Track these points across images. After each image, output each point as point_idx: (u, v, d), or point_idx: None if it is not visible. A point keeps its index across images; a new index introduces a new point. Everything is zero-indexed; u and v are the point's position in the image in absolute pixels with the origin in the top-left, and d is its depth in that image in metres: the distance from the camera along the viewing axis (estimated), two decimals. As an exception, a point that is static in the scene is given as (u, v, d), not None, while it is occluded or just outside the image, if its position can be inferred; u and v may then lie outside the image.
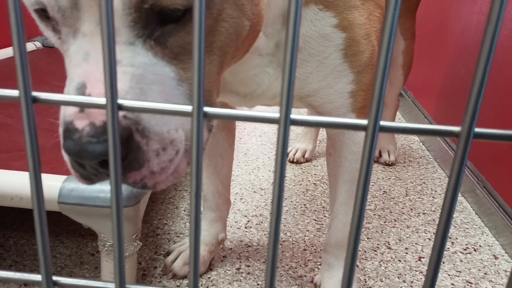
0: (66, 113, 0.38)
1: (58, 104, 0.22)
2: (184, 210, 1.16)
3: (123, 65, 0.37)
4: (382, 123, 0.22)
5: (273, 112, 0.22)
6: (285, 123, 0.22)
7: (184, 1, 0.36)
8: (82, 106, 0.22)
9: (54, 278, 0.27)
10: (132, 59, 0.37)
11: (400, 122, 1.29)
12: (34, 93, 0.23)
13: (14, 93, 0.22)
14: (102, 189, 0.71)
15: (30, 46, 1.68)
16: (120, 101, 0.22)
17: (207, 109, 0.22)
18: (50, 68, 1.48)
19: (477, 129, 0.22)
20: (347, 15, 0.59)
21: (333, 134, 0.74)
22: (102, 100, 0.22)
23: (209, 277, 0.93)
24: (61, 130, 0.39)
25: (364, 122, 0.22)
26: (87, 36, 0.38)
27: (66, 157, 0.39)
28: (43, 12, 0.40)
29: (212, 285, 0.91)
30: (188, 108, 0.22)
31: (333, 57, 0.61)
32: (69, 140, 0.37)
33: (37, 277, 0.27)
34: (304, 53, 0.60)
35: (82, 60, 0.38)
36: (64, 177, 0.73)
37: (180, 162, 0.40)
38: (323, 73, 0.62)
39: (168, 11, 0.36)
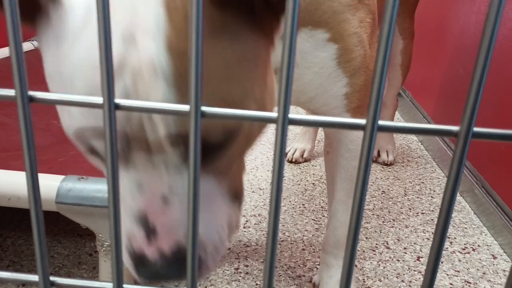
0: (134, 243, 0.40)
1: (55, 103, 0.22)
2: (182, 210, 1.16)
3: (175, 195, 0.39)
4: (381, 122, 0.22)
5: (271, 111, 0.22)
6: (283, 122, 0.22)
7: (223, 131, 0.39)
8: (79, 106, 0.22)
9: (52, 278, 0.27)
10: (183, 185, 0.40)
11: (398, 122, 1.29)
12: (31, 93, 0.23)
13: (11, 92, 0.22)
14: (100, 189, 0.71)
15: (28, 45, 1.67)
16: (117, 101, 0.22)
17: (205, 108, 0.22)
18: (48, 67, 1.48)
19: (476, 129, 0.21)
20: (338, 29, 0.62)
21: (330, 133, 0.76)
22: (99, 100, 0.22)
23: (207, 277, 0.93)
24: (127, 258, 0.41)
25: (362, 121, 0.22)
26: (139, 169, 0.39)
27: (132, 269, 0.42)
28: (92, 151, 0.42)
29: (211, 285, 0.91)
30: (185, 107, 0.22)
31: (328, 66, 0.64)
32: (143, 269, 0.40)
33: (34, 278, 0.27)
34: (301, 67, 0.64)
35: (137, 191, 0.40)
36: (62, 176, 0.72)
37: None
38: (319, 82, 0.65)
39: (210, 140, 0.39)
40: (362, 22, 0.64)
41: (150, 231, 0.39)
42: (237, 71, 0.38)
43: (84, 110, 0.38)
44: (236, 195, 0.45)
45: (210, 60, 0.37)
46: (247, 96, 0.40)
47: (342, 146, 0.74)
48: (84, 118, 0.38)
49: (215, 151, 0.41)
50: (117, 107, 0.22)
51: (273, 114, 0.22)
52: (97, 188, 0.71)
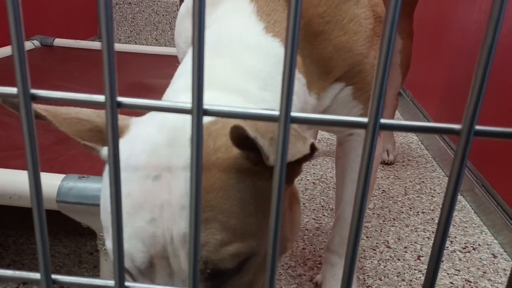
0: None
1: (57, 101, 0.22)
2: (183, 209, 1.16)
3: None
4: (383, 121, 0.22)
5: (273, 110, 0.22)
6: (285, 121, 0.22)
7: (237, 258, 0.42)
8: (81, 104, 0.22)
9: (53, 276, 0.27)
10: None
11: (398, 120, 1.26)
12: (33, 91, 0.23)
13: (13, 90, 0.22)
14: (101, 187, 0.71)
15: (28, 45, 1.67)
16: (119, 99, 0.22)
17: (207, 106, 0.22)
18: (48, 67, 1.48)
19: (477, 127, 0.21)
20: (355, 80, 0.67)
21: (343, 140, 0.78)
22: (101, 98, 0.22)
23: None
24: None
25: (364, 120, 0.22)
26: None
27: None
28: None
29: (211, 284, 0.91)
30: (187, 105, 0.22)
31: (345, 101, 0.69)
32: None
33: (36, 276, 0.27)
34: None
35: None
36: (63, 175, 0.72)
37: None
38: (335, 112, 0.70)
39: (223, 266, 0.42)
40: (376, 52, 0.67)
41: None
42: (254, 208, 0.42)
43: (138, 244, 0.42)
44: None
45: (232, 195, 0.41)
46: (261, 229, 0.43)
47: (355, 152, 0.77)
48: (133, 250, 0.42)
49: (228, 278, 0.43)
50: (119, 105, 0.22)
51: (275, 113, 0.22)
52: (98, 187, 0.71)
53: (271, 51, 0.57)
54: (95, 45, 1.79)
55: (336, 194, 0.84)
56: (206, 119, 0.45)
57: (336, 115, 0.22)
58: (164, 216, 0.41)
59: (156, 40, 2.86)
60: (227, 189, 0.41)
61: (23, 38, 0.21)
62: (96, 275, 0.90)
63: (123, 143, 0.46)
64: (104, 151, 0.48)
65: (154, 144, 0.44)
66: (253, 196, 0.42)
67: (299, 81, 0.60)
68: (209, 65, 0.54)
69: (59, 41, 1.75)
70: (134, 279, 0.44)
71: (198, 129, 0.22)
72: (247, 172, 0.42)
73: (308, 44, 0.62)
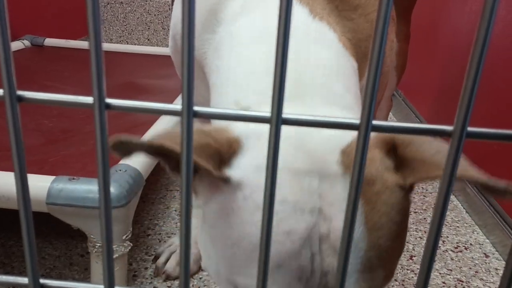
0: None
1: (44, 103, 0.22)
2: (175, 210, 1.16)
3: None
4: (375, 122, 0.22)
5: (265, 111, 0.22)
6: (277, 122, 0.21)
7: None
8: (69, 105, 0.22)
9: (42, 281, 0.26)
10: None
11: (391, 121, 1.28)
12: (20, 92, 0.22)
13: (-2, 92, 0.22)
14: (91, 189, 0.70)
15: (19, 44, 1.66)
16: (108, 100, 0.22)
17: (197, 108, 0.22)
18: (39, 67, 1.46)
19: (469, 129, 0.21)
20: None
21: None
22: (89, 99, 0.22)
23: (200, 278, 0.92)
24: None
25: (356, 121, 0.22)
26: None
27: None
28: None
29: (204, 286, 0.90)
30: (177, 107, 0.22)
31: None
32: None
33: (24, 280, 0.27)
34: None
35: None
36: (53, 177, 0.72)
37: None
38: None
39: None
40: (389, 44, 0.64)
41: None
42: (402, 228, 0.40)
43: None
44: None
45: (393, 236, 0.39)
46: (403, 246, 0.42)
47: None
48: (275, 283, 0.39)
49: None
50: (108, 106, 0.22)
51: (267, 114, 0.22)
52: (89, 188, 0.70)
53: (327, 38, 0.49)
54: (86, 44, 1.78)
55: None
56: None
57: (327, 117, 0.22)
58: (323, 251, 0.38)
59: (148, 40, 2.84)
60: (393, 229, 0.38)
61: (9, 38, 0.21)
62: (87, 277, 0.89)
63: (250, 166, 0.39)
64: (230, 175, 0.40)
65: (297, 173, 0.39)
66: (403, 214, 0.40)
67: (353, 67, 0.51)
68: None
69: (49, 41, 1.73)
70: None
71: (188, 129, 0.22)
72: (404, 198, 0.39)
73: (347, 21, 0.54)
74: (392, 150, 0.41)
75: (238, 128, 0.40)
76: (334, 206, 0.38)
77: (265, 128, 0.40)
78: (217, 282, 0.46)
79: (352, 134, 0.41)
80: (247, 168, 0.39)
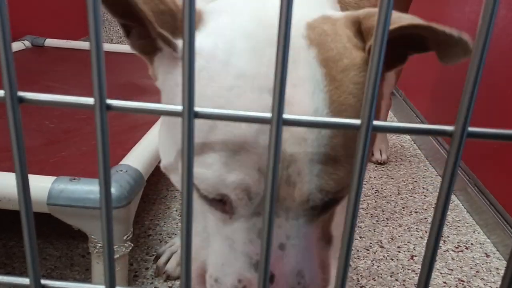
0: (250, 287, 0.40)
1: (45, 104, 0.22)
2: (176, 211, 1.16)
3: (292, 243, 0.40)
4: (375, 122, 0.22)
5: (265, 112, 0.22)
6: (278, 123, 0.21)
7: (347, 189, 0.38)
8: (70, 106, 0.22)
9: (43, 281, 0.27)
10: (298, 234, 0.40)
11: (392, 121, 1.29)
12: (21, 93, 0.22)
13: (-1, 93, 0.22)
14: (92, 190, 0.70)
15: (19, 45, 1.66)
16: (109, 101, 0.22)
17: (197, 108, 0.22)
18: (39, 67, 1.47)
19: (470, 129, 0.21)
20: None
21: None
22: (90, 100, 0.22)
23: (201, 278, 0.93)
24: None
25: (357, 122, 0.22)
26: (261, 217, 0.39)
27: None
28: (214, 200, 0.40)
29: (205, 286, 0.91)
30: (178, 108, 0.22)
31: None
32: None
33: (25, 281, 0.27)
34: None
35: (257, 238, 0.39)
36: (54, 178, 0.72)
37: None
38: None
39: (338, 196, 0.39)
40: None
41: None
42: None
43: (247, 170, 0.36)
44: (329, 241, 0.45)
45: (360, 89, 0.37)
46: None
47: None
48: (233, 174, 0.37)
49: (333, 205, 0.41)
50: (109, 107, 0.22)
51: (267, 115, 0.22)
52: (89, 189, 0.70)
53: None
54: (86, 45, 1.78)
55: None
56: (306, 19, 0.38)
57: (329, 117, 0.22)
58: (285, 141, 0.35)
59: (149, 40, 2.84)
60: (360, 105, 0.36)
61: (10, 39, 0.21)
62: (88, 277, 0.89)
63: (208, 36, 0.37)
64: (180, 45, 0.38)
65: (257, 43, 0.35)
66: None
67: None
68: None
69: (50, 41, 1.73)
70: (228, 206, 0.39)
71: (189, 130, 0.22)
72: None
73: None
74: (361, 31, 0.38)
75: (201, 3, 0.40)
76: (297, 88, 0.35)
77: (228, 7, 0.39)
78: (176, 183, 0.45)
79: (320, 12, 0.39)
80: (204, 39, 0.37)
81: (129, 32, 0.41)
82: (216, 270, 0.42)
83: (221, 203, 0.40)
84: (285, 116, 0.22)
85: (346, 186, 0.38)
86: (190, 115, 0.21)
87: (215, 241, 0.42)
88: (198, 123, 0.35)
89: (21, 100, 0.22)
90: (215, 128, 0.35)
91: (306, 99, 0.35)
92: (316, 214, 0.40)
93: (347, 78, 0.36)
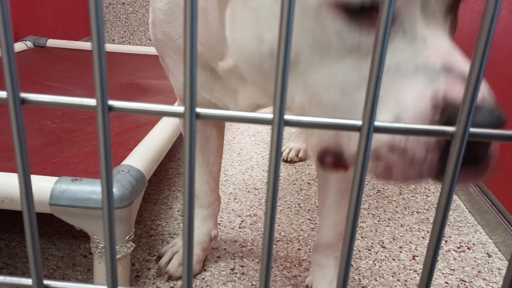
0: (454, 91, 0.38)
1: (47, 105, 0.22)
2: (177, 211, 1.16)
3: (456, 52, 0.41)
4: (377, 123, 0.22)
5: (267, 113, 0.22)
6: (279, 124, 0.21)
7: None
8: (72, 108, 0.22)
9: (45, 282, 0.27)
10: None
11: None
12: (23, 95, 0.22)
13: (2, 94, 0.22)
14: (94, 190, 0.70)
15: (21, 45, 1.66)
16: (111, 102, 0.22)
17: (199, 110, 0.22)
18: (41, 68, 1.47)
19: (472, 129, 0.21)
20: None
21: None
22: (92, 102, 0.22)
23: (203, 278, 0.93)
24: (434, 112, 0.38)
25: (358, 123, 0.22)
26: (429, 29, 0.39)
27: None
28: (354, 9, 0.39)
29: (207, 286, 0.91)
30: (180, 109, 0.22)
31: None
32: (483, 112, 0.39)
33: (28, 281, 0.27)
34: None
35: (424, 46, 0.39)
36: (56, 178, 0.72)
37: None
38: None
39: None
40: None
41: (461, 79, 0.39)
42: None
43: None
44: None
45: None
46: None
47: None
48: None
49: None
50: (111, 109, 0.22)
51: (269, 116, 0.22)
52: (91, 189, 0.70)
53: None
54: (88, 45, 1.78)
55: (319, 193, 0.81)
56: None
57: (330, 119, 0.22)
58: None
59: (150, 40, 2.85)
60: None
61: (12, 40, 0.21)
62: (89, 277, 0.89)
63: None
64: None
65: None
66: None
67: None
68: None
69: (52, 42, 1.74)
70: (363, 22, 0.39)
71: (191, 131, 0.22)
72: None
73: None
74: None
75: None
76: None
77: None
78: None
79: None
80: None
81: None
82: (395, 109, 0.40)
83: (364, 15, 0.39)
84: (286, 117, 0.22)
85: None
86: (191, 116, 0.21)
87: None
88: None
89: (24, 101, 0.22)
90: None
91: None
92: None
93: None
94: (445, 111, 0.38)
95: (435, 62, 0.39)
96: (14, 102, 0.22)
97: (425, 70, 0.39)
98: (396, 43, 0.39)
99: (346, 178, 0.75)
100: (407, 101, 0.39)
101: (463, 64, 0.39)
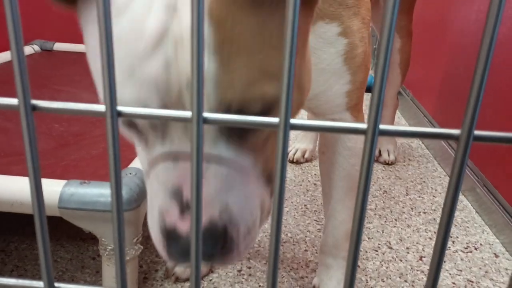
0: (167, 218, 0.39)
1: (57, 112, 0.22)
2: (184, 212, 1.16)
3: (210, 169, 0.39)
4: (382, 126, 0.22)
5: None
6: (285, 128, 0.22)
7: (262, 103, 0.37)
8: (82, 114, 0.22)
9: (56, 284, 0.27)
10: (217, 159, 0.39)
11: (399, 121, 1.29)
12: (34, 101, 0.23)
13: (13, 101, 0.22)
14: (103, 193, 0.71)
15: (28, 49, 1.68)
16: (119, 108, 0.22)
17: (206, 114, 0.22)
18: (49, 71, 1.48)
19: (476, 132, 0.22)
20: (348, 23, 0.63)
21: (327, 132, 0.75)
22: (102, 107, 0.22)
23: (210, 279, 0.93)
24: (157, 232, 0.40)
25: (363, 126, 0.22)
26: (175, 142, 0.38)
27: (162, 247, 0.41)
28: (130, 125, 0.40)
29: (214, 287, 0.91)
30: (187, 114, 0.22)
31: (335, 62, 0.64)
32: (172, 246, 0.39)
33: (39, 284, 0.27)
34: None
35: (172, 165, 0.39)
36: (64, 181, 0.72)
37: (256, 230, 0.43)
38: (324, 78, 0.65)
39: (248, 111, 0.38)
40: (364, 19, 0.65)
41: (184, 206, 0.38)
42: (276, 41, 0.37)
43: (128, 83, 0.36)
44: (269, 179, 0.43)
45: (249, 29, 0.36)
46: (279, 70, 0.40)
47: (340, 144, 0.73)
48: (128, 91, 0.37)
49: (248, 129, 0.40)
50: (119, 114, 0.23)
51: (275, 119, 0.22)
52: (100, 192, 0.71)
53: None
54: (95, 49, 1.78)
55: (323, 193, 0.81)
56: None
57: (332, 121, 0.22)
58: (179, 57, 0.35)
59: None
60: (244, 21, 0.35)
61: (23, 48, 0.22)
62: (98, 279, 0.90)
63: None
64: None
65: None
66: (274, 27, 0.37)
67: None
68: None
69: (59, 45, 1.75)
70: (142, 133, 0.39)
71: (198, 135, 0.22)
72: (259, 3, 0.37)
73: None
74: None
75: None
76: (187, 4, 0.35)
77: None
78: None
79: None
80: None
81: None
82: (149, 206, 0.42)
83: (137, 129, 0.40)
84: (292, 121, 0.22)
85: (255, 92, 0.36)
86: (199, 120, 0.22)
87: (147, 174, 0.42)
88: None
89: (35, 108, 0.23)
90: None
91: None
92: (237, 139, 0.39)
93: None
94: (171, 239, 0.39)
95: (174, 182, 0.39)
96: (26, 109, 0.22)
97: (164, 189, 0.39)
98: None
99: (350, 176, 0.75)
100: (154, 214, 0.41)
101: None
